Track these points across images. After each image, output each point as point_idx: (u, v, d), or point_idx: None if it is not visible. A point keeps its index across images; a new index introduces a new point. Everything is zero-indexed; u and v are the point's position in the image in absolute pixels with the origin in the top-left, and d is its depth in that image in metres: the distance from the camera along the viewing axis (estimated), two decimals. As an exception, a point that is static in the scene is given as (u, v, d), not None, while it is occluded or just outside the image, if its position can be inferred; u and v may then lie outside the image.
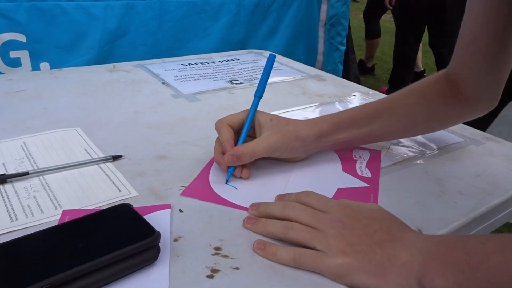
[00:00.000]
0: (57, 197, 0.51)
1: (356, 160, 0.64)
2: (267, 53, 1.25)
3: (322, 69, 1.91)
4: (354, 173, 0.60)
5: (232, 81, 0.97)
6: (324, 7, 1.80)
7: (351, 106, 0.68)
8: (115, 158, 0.60)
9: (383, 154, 0.66)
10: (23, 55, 1.19)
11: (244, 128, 0.58)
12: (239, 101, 0.86)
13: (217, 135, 0.58)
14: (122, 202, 0.51)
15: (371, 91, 0.95)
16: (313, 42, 1.82)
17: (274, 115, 0.60)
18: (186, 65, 1.07)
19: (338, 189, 0.56)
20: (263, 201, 0.51)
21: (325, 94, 0.92)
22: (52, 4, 1.19)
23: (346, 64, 2.06)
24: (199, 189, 0.54)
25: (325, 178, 0.59)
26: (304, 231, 0.43)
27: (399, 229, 0.43)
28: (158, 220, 0.47)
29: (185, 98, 0.86)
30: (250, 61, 1.15)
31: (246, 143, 0.56)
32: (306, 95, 0.92)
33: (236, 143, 0.57)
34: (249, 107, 0.60)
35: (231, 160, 0.54)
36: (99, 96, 0.84)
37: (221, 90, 0.92)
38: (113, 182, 0.54)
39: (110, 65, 1.04)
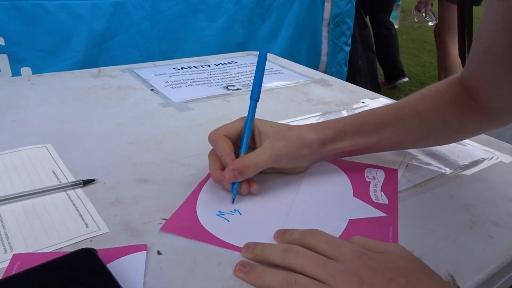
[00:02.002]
0: (10, 235, 0.42)
1: (369, 182, 0.55)
2: (267, 56, 1.16)
3: (325, 71, 1.81)
4: (367, 199, 0.51)
5: (228, 87, 0.88)
6: (327, 6, 1.70)
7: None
8: (86, 182, 0.51)
9: (400, 173, 0.57)
10: (2, 60, 1.09)
11: (244, 137, 0.51)
12: (235, 110, 0.77)
13: (210, 150, 0.51)
14: (89, 240, 0.42)
15: (382, 97, 0.86)
16: (316, 42, 1.72)
17: (273, 122, 0.53)
18: (179, 69, 0.98)
19: (350, 221, 0.47)
20: (260, 241, 0.41)
21: (331, 101, 0.83)
22: (32, 3, 1.09)
23: (355, 66, 1.94)
24: (183, 222, 0.45)
25: (334, 207, 0.50)
26: (310, 287, 0.34)
27: (432, 285, 0.34)
28: (129, 267, 0.38)
29: (174, 107, 0.77)
30: (249, 64, 1.06)
31: (248, 155, 0.49)
32: (310, 102, 0.83)
33: (236, 156, 0.49)
34: (246, 114, 0.53)
35: (233, 175, 0.47)
36: (78, 106, 0.76)
37: (215, 97, 0.83)
38: (80, 215, 0.45)
39: (95, 70, 0.96)
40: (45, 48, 1.15)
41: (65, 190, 0.50)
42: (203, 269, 0.39)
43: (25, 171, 0.53)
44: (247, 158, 0.48)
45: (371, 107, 0.81)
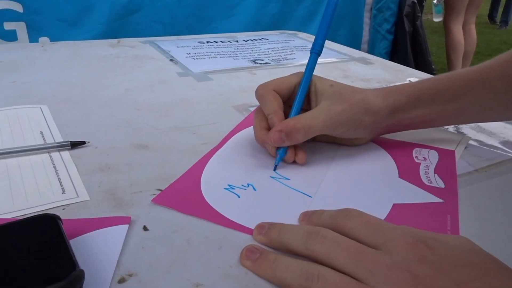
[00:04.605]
0: (-31, 197, 0.34)
1: (419, 163, 0.44)
2: (302, 35, 1.06)
3: (365, 61, 1.69)
4: (418, 182, 0.40)
5: (256, 61, 0.79)
6: (371, -11, 1.57)
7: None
8: (75, 145, 0.43)
9: (458, 155, 0.46)
10: (20, 27, 1.04)
11: (298, 95, 0.43)
12: (261, 82, 0.67)
13: (257, 107, 0.44)
14: (62, 209, 0.34)
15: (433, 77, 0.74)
16: (357, 28, 1.60)
17: (335, 81, 0.44)
18: (204, 43, 0.90)
19: (395, 205, 0.37)
20: (277, 222, 0.32)
21: (372, 79, 0.72)
22: (52, -31, 1.04)
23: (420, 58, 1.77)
24: (182, 195, 0.36)
25: (372, 187, 0.39)
26: (339, 286, 0.24)
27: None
28: (104, 242, 0.29)
29: (193, 77, 0.68)
30: (281, 41, 0.96)
31: (299, 116, 0.41)
32: (348, 78, 0.72)
33: (286, 116, 0.42)
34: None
35: (279, 138, 0.39)
36: (87, 72, 0.68)
37: (240, 69, 0.73)
38: (59, 179, 0.37)
39: (114, 40, 0.89)
40: (65, 18, 1.09)
41: (48, 152, 0.42)
42: (198, 252, 0.30)
43: (8, 130, 0.46)
44: (298, 119, 0.40)
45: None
